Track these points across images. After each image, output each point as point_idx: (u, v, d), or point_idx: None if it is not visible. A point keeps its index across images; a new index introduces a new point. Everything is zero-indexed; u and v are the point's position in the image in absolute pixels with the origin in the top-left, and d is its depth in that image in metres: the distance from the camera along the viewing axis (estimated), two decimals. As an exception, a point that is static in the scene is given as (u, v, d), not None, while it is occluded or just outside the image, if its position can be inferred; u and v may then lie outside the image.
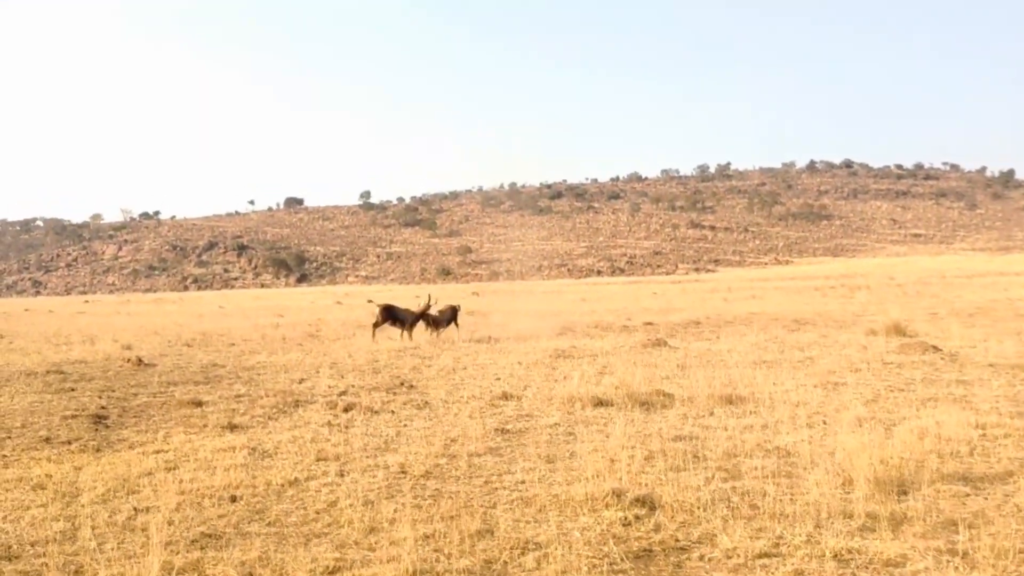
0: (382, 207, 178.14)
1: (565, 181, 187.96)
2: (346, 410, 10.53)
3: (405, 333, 20.73)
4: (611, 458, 7.39)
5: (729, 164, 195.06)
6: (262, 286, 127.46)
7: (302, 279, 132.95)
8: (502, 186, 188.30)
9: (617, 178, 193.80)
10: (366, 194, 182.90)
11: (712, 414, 9.70)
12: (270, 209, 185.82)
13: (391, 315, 21.10)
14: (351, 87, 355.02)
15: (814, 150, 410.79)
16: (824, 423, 8.96)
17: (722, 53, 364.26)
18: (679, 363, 14.30)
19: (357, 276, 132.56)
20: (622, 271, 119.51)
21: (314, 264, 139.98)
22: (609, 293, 53.04)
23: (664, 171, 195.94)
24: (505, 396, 11.26)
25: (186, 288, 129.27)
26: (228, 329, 26.79)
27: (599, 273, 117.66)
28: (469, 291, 68.55)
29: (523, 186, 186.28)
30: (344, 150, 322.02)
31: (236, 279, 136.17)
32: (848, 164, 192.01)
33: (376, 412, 10.47)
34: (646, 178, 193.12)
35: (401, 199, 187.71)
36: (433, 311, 21.30)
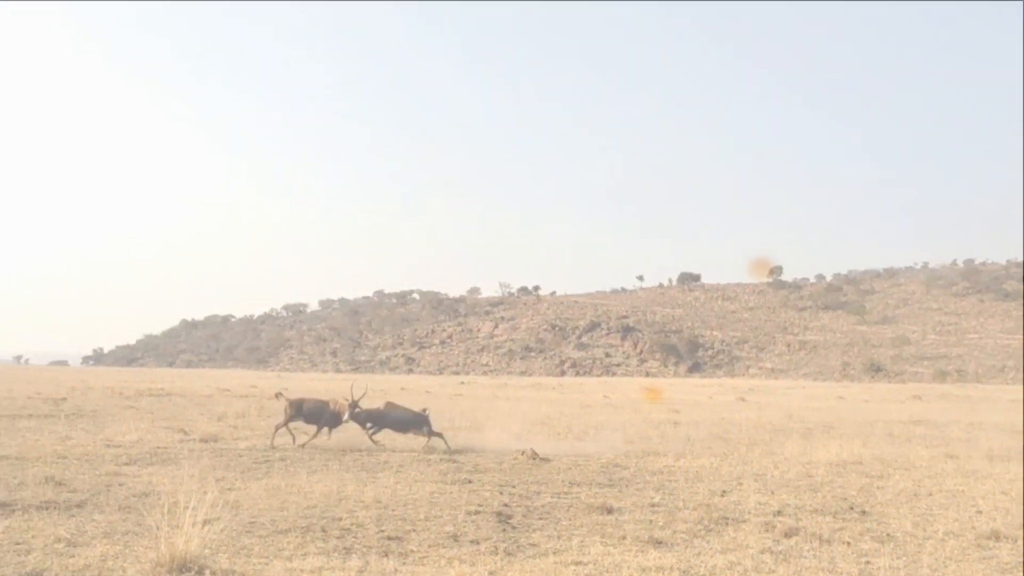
0: (796, 286, 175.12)
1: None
2: (787, 535, 10.32)
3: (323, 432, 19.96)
4: None
5: None
6: (647, 374, 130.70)
7: (694, 368, 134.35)
8: (955, 263, 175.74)
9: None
10: (776, 270, 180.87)
11: None
12: (661, 286, 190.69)
13: (301, 410, 20.16)
14: (755, 136, 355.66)
15: None
16: None
17: None
18: None
19: (761, 368, 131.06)
20: None
21: (709, 351, 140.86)
22: (1113, 407, 46.93)
23: None
24: (995, 535, 10.50)
25: (563, 372, 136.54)
26: (621, 423, 27.69)
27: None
28: (907, 393, 64.58)
29: (983, 263, 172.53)
30: (751, 218, 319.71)
31: (618, 365, 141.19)
32: None
33: (826, 541, 10.12)
34: None
35: (821, 276, 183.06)
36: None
